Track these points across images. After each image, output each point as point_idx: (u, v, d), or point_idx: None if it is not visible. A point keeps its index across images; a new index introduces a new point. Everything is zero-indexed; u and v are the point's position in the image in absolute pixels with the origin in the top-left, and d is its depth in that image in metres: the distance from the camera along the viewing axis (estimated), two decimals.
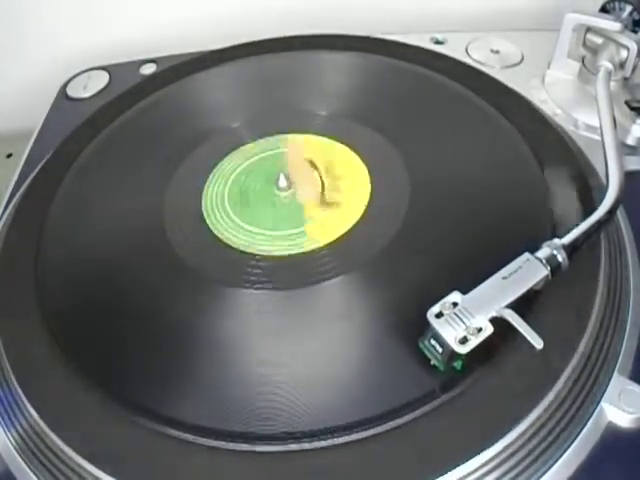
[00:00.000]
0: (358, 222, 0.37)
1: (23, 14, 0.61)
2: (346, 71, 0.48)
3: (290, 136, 0.44)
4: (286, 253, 0.36)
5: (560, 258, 0.30)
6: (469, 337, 0.28)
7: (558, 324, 0.30)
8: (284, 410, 0.29)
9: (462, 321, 0.28)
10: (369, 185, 0.39)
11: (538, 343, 0.27)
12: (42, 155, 0.45)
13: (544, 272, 0.30)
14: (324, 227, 0.37)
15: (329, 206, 0.38)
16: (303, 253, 0.36)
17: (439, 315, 0.28)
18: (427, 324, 0.28)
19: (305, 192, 0.39)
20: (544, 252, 0.30)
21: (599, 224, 0.32)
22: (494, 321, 0.28)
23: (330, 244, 0.36)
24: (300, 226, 0.38)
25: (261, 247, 0.37)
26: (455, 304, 0.29)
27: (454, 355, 0.28)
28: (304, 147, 0.42)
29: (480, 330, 0.28)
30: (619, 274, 0.34)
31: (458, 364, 0.29)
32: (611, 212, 0.32)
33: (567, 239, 0.31)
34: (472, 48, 0.51)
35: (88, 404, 0.30)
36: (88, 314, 0.35)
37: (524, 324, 0.28)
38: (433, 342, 0.28)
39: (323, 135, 0.43)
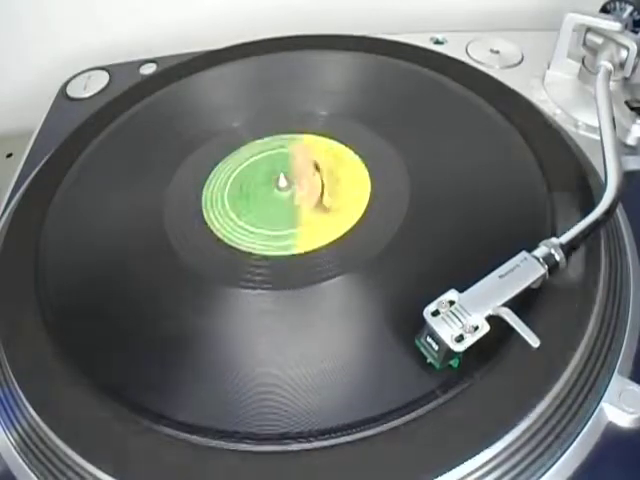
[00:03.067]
0: (358, 222, 0.37)
1: (23, 14, 0.61)
2: (346, 71, 0.48)
3: (296, 136, 0.44)
4: (285, 253, 0.36)
5: (557, 257, 0.30)
6: (465, 335, 0.28)
7: (558, 324, 0.30)
8: (284, 410, 0.29)
9: (458, 319, 0.28)
10: (369, 185, 0.39)
11: (534, 342, 0.27)
12: (42, 155, 0.45)
13: (541, 271, 0.30)
14: (317, 231, 0.37)
15: (325, 211, 0.38)
16: (303, 253, 0.36)
17: (436, 313, 0.28)
18: (423, 322, 0.28)
19: (304, 195, 0.39)
20: (541, 251, 0.30)
21: (597, 224, 0.32)
22: (495, 321, 0.28)
23: (330, 244, 0.36)
24: (298, 227, 0.38)
25: (261, 247, 0.37)
26: (452, 302, 0.29)
27: (450, 353, 0.28)
28: (308, 149, 0.42)
29: (476, 328, 0.28)
30: (619, 274, 0.34)
31: (454, 362, 0.29)
32: (609, 212, 0.32)
33: (565, 238, 0.31)
34: (472, 48, 0.51)
35: (88, 404, 0.30)
36: (88, 314, 0.35)
37: (521, 323, 0.28)
38: (429, 340, 0.28)
39: (323, 135, 0.43)
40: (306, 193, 0.39)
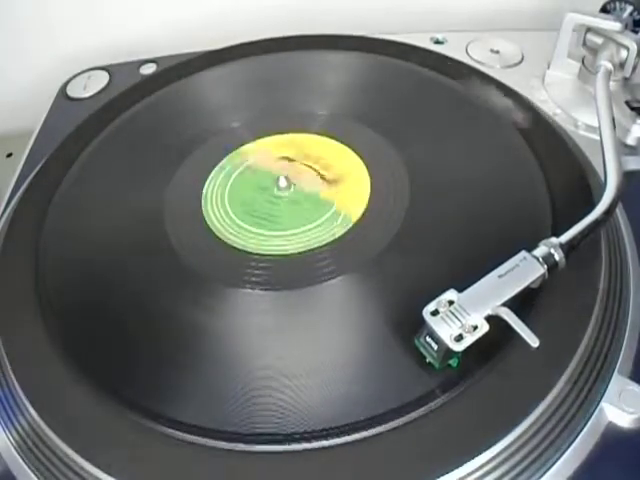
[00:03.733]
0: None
1: (23, 14, 0.61)
2: (346, 71, 0.48)
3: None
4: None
5: (557, 257, 0.30)
6: (464, 335, 0.28)
7: (559, 324, 0.30)
8: (284, 410, 0.29)
9: (457, 319, 0.28)
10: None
11: (534, 342, 0.27)
12: (42, 155, 0.45)
13: (541, 270, 0.30)
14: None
15: (335, 183, 0.38)
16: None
17: (435, 313, 0.28)
18: (423, 322, 0.28)
19: (306, 181, 0.39)
20: (541, 250, 0.30)
21: (596, 224, 0.32)
22: (495, 321, 0.28)
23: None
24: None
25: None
26: (451, 302, 0.29)
27: (449, 353, 0.28)
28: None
29: (476, 328, 0.28)
30: (619, 274, 0.34)
31: (454, 362, 0.29)
32: (608, 212, 0.32)
33: (564, 238, 0.31)
34: (472, 48, 0.51)
35: (88, 404, 0.30)
36: (88, 314, 0.35)
37: (520, 322, 0.28)
38: (429, 339, 0.28)
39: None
40: (307, 179, 0.39)
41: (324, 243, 0.36)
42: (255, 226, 0.38)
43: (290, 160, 0.42)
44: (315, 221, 0.38)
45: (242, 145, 0.44)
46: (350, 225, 0.37)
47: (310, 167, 0.41)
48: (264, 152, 0.43)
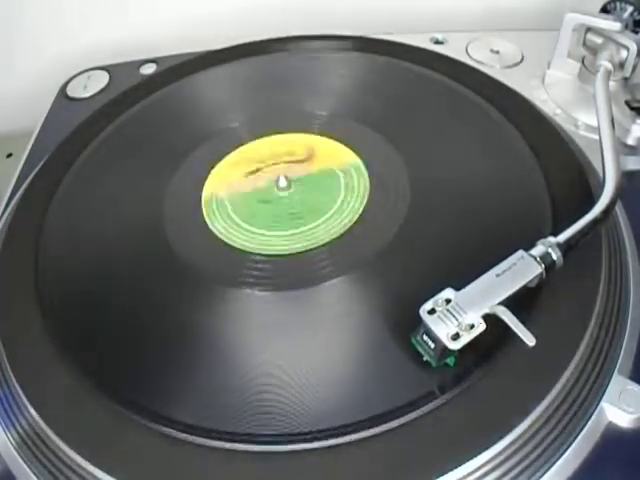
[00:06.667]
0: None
1: (22, 15, 0.61)
2: (346, 71, 0.48)
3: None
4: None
5: (554, 256, 0.30)
6: (461, 333, 0.28)
7: (559, 324, 0.30)
8: (283, 410, 0.29)
9: (455, 317, 0.28)
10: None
11: (530, 340, 0.27)
12: (42, 155, 0.45)
13: (538, 270, 0.30)
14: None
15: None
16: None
17: (432, 311, 0.28)
18: (420, 320, 0.29)
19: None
20: (538, 250, 0.30)
21: (595, 223, 0.32)
22: (496, 320, 0.28)
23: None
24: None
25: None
26: (448, 300, 0.29)
27: (446, 351, 0.28)
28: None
29: (472, 327, 0.28)
30: (619, 274, 0.34)
31: (450, 360, 0.29)
32: (607, 211, 0.32)
33: (562, 237, 0.31)
34: (472, 48, 0.51)
35: (88, 404, 0.30)
36: (88, 314, 0.35)
37: (517, 321, 0.28)
38: (426, 338, 0.28)
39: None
40: None
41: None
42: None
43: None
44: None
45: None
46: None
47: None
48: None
